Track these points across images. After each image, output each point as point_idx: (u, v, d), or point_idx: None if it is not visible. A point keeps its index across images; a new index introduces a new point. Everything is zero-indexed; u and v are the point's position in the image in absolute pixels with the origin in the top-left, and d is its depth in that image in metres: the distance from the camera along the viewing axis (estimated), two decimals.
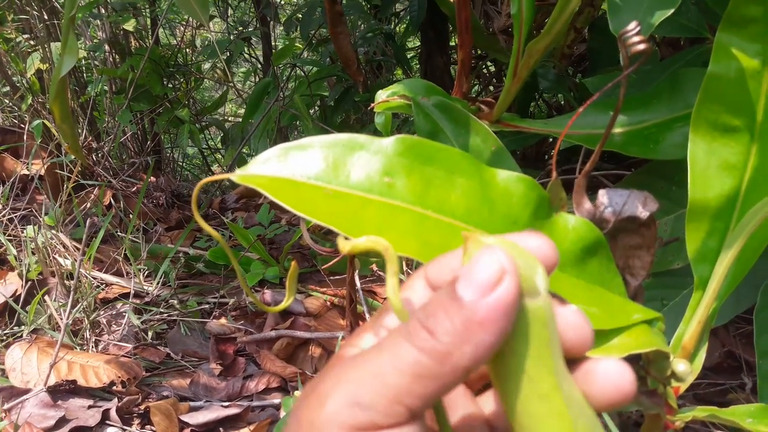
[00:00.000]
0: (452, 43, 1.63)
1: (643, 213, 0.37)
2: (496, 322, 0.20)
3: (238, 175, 0.33)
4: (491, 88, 1.52)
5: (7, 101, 1.79)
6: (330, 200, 0.34)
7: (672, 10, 0.44)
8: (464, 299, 0.21)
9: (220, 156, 2.52)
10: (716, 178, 0.40)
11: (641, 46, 0.33)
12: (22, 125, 1.62)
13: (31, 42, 1.80)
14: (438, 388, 0.21)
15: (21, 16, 1.80)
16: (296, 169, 0.34)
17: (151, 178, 1.73)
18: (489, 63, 1.51)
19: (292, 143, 0.34)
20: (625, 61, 0.34)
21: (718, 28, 0.41)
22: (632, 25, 0.33)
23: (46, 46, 1.69)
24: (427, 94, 0.58)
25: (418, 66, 1.87)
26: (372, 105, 0.57)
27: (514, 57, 0.57)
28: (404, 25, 1.97)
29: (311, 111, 1.79)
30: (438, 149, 0.36)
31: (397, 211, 0.35)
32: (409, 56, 1.97)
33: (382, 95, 0.57)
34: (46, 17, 1.78)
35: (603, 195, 0.38)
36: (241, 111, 3.09)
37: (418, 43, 1.91)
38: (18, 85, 1.75)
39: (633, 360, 0.37)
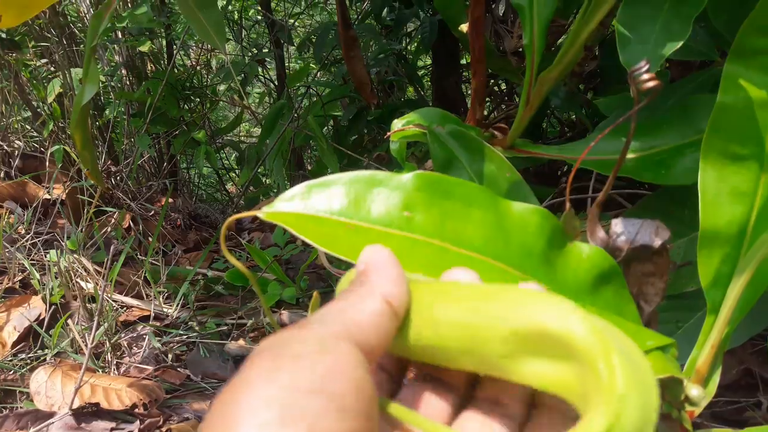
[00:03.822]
0: (463, 62, 1.64)
1: (656, 241, 0.38)
2: None
3: (264, 212, 0.35)
4: (503, 106, 1.53)
5: (28, 127, 1.82)
6: (352, 235, 0.35)
7: (682, 42, 0.45)
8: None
9: (234, 175, 2.55)
10: (727, 205, 0.41)
11: (651, 83, 0.34)
12: (42, 150, 1.66)
13: (51, 68, 1.84)
14: None
15: (41, 44, 1.85)
16: (319, 206, 0.35)
17: (169, 199, 1.76)
18: (500, 81, 1.52)
19: (315, 181, 0.36)
20: (636, 96, 0.35)
21: (726, 57, 0.42)
22: (642, 63, 0.34)
23: (66, 72, 1.73)
24: (441, 122, 0.59)
25: (429, 84, 1.89)
26: (388, 134, 0.59)
27: (526, 86, 0.58)
28: (415, 44, 1.99)
29: (324, 130, 1.81)
30: (455, 183, 0.38)
31: (417, 244, 0.36)
32: (420, 74, 1.99)
33: (397, 124, 0.59)
34: (65, 43, 1.82)
35: (617, 224, 0.39)
36: (255, 130, 3.12)
37: (429, 61, 1.93)
38: (39, 110, 1.79)
39: None
